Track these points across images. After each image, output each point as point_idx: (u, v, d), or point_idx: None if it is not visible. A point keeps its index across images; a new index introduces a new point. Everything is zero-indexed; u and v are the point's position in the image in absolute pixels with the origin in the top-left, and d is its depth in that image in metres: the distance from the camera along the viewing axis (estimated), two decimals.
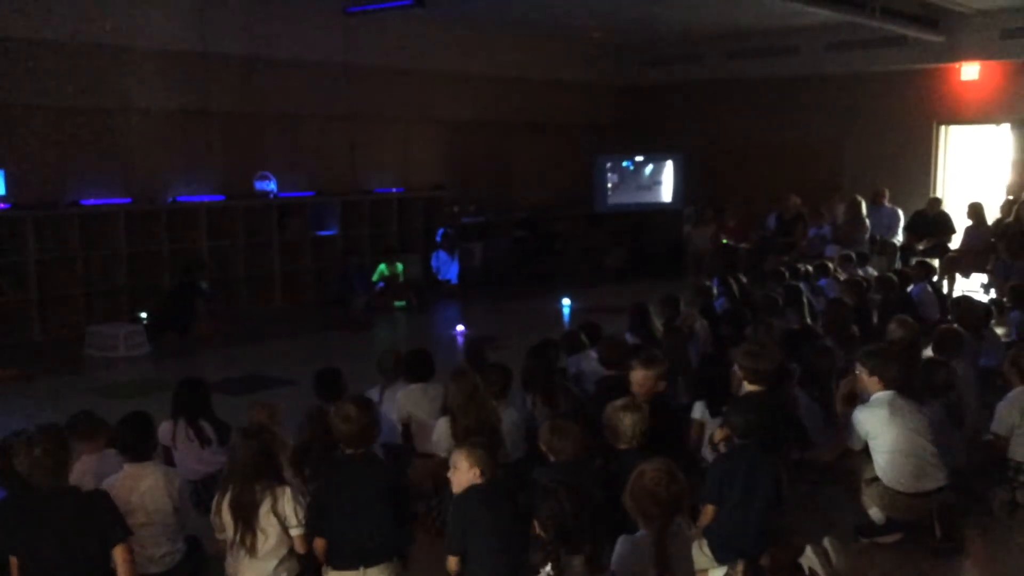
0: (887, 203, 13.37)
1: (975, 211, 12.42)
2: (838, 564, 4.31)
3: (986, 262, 11.78)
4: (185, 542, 4.29)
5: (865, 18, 11.24)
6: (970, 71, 13.51)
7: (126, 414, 4.35)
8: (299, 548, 3.94)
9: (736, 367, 5.41)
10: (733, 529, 4.25)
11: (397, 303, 12.17)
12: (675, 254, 14.79)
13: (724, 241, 14.13)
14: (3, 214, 9.69)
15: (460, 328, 8.61)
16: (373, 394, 6.00)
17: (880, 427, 4.84)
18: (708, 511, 4.31)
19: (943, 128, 14.25)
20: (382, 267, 12.43)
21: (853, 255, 10.90)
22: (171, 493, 4.16)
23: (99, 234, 10.48)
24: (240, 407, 5.62)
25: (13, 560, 3.69)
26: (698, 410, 5.47)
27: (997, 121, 13.69)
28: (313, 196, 12.51)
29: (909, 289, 9.30)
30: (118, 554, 3.71)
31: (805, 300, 8.53)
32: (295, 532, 3.90)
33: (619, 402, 4.57)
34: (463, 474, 3.88)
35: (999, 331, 8.18)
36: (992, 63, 13.26)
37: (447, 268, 13.43)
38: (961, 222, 12.66)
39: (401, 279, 12.46)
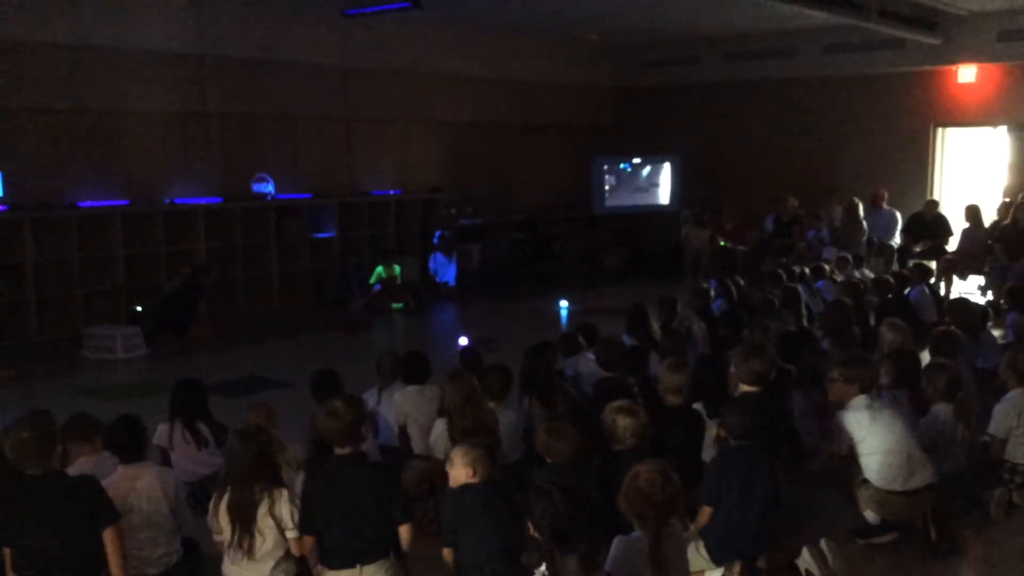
0: (885, 205, 13.38)
1: (972, 213, 12.44)
2: (835, 566, 4.32)
3: (983, 264, 11.79)
4: (182, 544, 4.29)
5: (862, 20, 11.26)
6: (967, 73, 13.53)
7: (116, 417, 4.37)
8: (295, 551, 3.94)
9: (732, 368, 5.42)
10: (730, 530, 4.25)
11: (395, 305, 12.16)
12: (673, 256, 14.79)
13: (722, 243, 14.15)
14: (0, 216, 9.69)
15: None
16: (371, 395, 6.01)
17: (864, 431, 4.87)
18: (705, 512, 4.31)
19: (940, 130, 14.27)
20: (380, 269, 12.43)
21: (850, 257, 10.93)
22: (167, 493, 4.18)
23: (96, 235, 10.48)
24: (238, 409, 5.61)
25: (6, 551, 3.71)
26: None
27: (994, 123, 13.71)
28: (311, 198, 12.51)
29: (907, 291, 9.31)
30: (108, 537, 3.73)
31: (803, 302, 8.54)
32: (291, 534, 3.90)
33: (615, 404, 4.58)
34: (458, 471, 3.91)
35: (996, 333, 8.20)
36: (989, 65, 13.29)
37: (445, 270, 13.44)
38: (958, 224, 12.68)
39: (399, 281, 12.46)
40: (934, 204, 13.25)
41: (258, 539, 3.87)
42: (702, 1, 12.06)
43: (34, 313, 9.99)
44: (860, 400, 4.94)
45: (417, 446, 5.58)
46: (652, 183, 15.75)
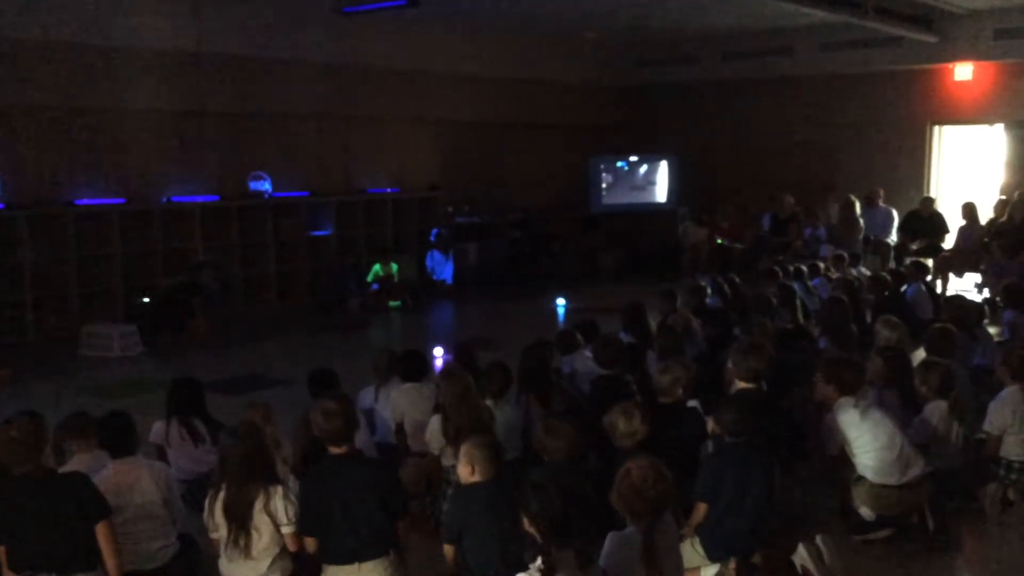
0: (881, 203, 13.40)
1: (968, 211, 12.46)
2: (831, 562, 4.32)
3: (979, 262, 11.81)
4: (179, 540, 4.30)
5: (859, 18, 11.27)
6: (963, 71, 13.55)
7: (105, 414, 4.40)
8: (291, 546, 3.95)
9: (730, 365, 5.43)
10: (726, 527, 4.26)
11: (392, 303, 12.17)
12: (670, 254, 14.80)
13: (719, 241, 14.16)
14: None
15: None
16: (368, 393, 6.02)
17: (856, 429, 4.88)
18: (701, 509, 4.32)
19: (937, 128, 14.29)
20: (377, 267, 12.44)
21: (846, 255, 10.94)
22: (159, 486, 4.21)
23: (94, 234, 10.47)
24: (235, 406, 5.62)
25: (1, 548, 3.72)
26: None
27: (990, 121, 13.72)
28: (308, 196, 12.51)
29: (904, 289, 9.32)
30: (100, 532, 3.76)
31: (798, 300, 8.55)
32: (286, 530, 3.91)
33: (617, 407, 4.58)
34: (460, 468, 3.95)
35: (992, 330, 8.22)
36: (985, 63, 13.30)
37: (442, 268, 13.44)
38: (955, 222, 12.70)
39: (396, 279, 12.46)
40: (930, 202, 13.27)
41: (254, 536, 3.88)
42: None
43: (31, 312, 9.99)
44: (847, 400, 4.97)
45: (414, 444, 5.59)
46: (649, 181, 15.76)
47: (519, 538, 3.54)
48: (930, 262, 11.54)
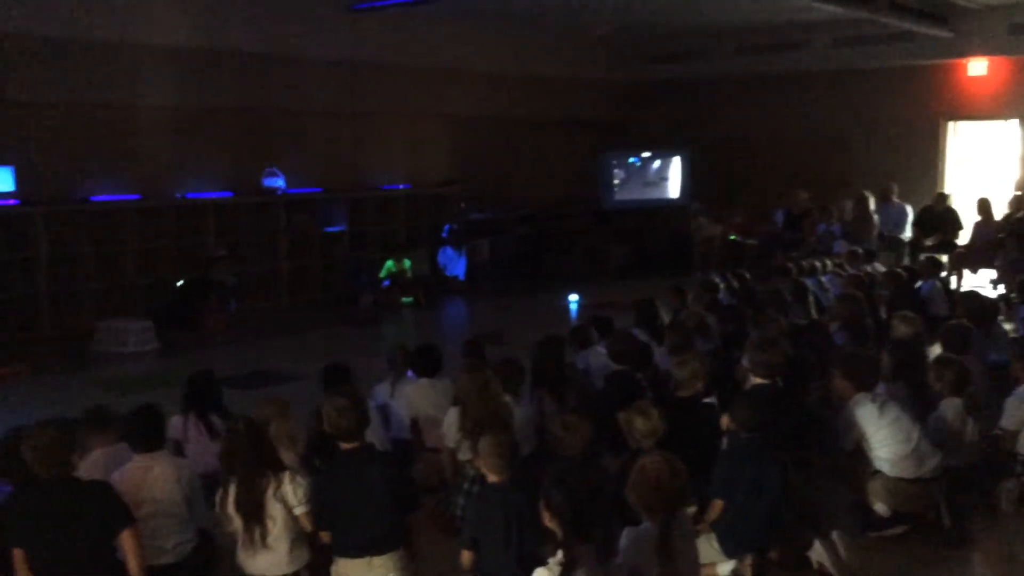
0: (895, 199, 13.35)
1: (983, 207, 12.41)
2: (847, 558, 4.32)
3: (994, 257, 11.76)
4: (197, 535, 4.32)
5: (873, 14, 11.22)
6: (978, 67, 13.48)
7: (136, 407, 4.40)
8: (306, 526, 3.98)
9: (744, 360, 5.42)
10: (741, 523, 4.26)
11: (404, 299, 12.18)
12: (682, 250, 14.77)
13: (732, 237, 14.12)
14: (13, 210, 9.72)
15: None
16: (383, 389, 6.03)
17: (874, 424, 4.87)
18: (716, 505, 4.32)
19: (951, 124, 14.24)
20: (389, 263, 12.44)
21: (860, 251, 10.90)
22: (180, 483, 4.21)
23: (108, 230, 10.52)
24: (250, 401, 5.64)
25: (18, 552, 3.74)
26: None
27: (1005, 117, 13.66)
28: (321, 192, 12.54)
29: (919, 285, 9.28)
30: (126, 540, 3.76)
31: (811, 296, 8.53)
32: (299, 511, 3.94)
33: (633, 406, 4.57)
34: (481, 467, 3.96)
35: (1007, 326, 8.18)
36: (1000, 59, 13.24)
37: (454, 264, 13.45)
38: (969, 218, 12.64)
39: (408, 275, 12.47)
40: (945, 197, 13.22)
41: (269, 524, 3.92)
42: None
43: (46, 307, 10.03)
44: (864, 395, 4.96)
45: (428, 439, 5.60)
46: (662, 177, 15.72)
47: (535, 536, 3.54)
48: (945, 258, 11.50)
